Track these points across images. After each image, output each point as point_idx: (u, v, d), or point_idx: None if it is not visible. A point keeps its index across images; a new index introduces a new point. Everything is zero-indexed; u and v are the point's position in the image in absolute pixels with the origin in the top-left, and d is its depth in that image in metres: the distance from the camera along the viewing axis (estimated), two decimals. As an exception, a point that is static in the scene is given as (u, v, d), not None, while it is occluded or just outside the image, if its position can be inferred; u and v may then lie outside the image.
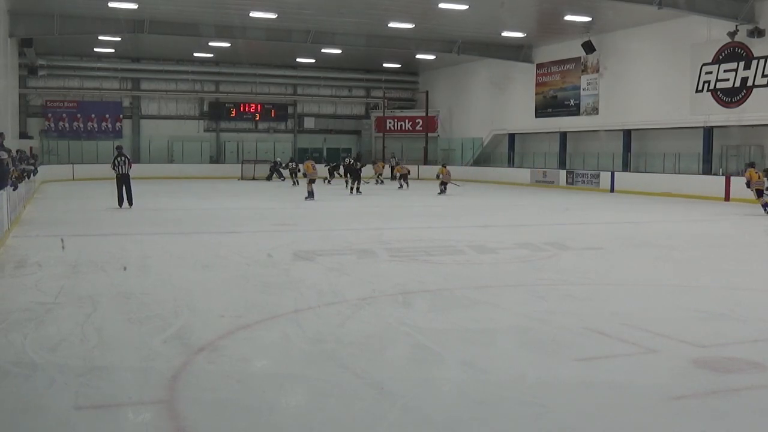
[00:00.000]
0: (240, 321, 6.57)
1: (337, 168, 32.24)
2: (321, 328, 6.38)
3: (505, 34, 30.86)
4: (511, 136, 36.36)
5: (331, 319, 6.72)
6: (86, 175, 33.37)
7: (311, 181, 22.22)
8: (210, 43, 33.62)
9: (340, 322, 6.60)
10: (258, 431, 4.14)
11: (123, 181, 18.61)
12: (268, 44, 32.46)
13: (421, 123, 41.87)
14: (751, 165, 20.52)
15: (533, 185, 32.38)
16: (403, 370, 5.32)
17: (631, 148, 29.43)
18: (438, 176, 26.88)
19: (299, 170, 29.12)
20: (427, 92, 41.93)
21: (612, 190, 28.13)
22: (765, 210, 18.84)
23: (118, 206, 18.42)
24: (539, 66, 34.22)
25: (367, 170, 30.47)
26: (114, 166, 18.75)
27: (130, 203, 18.54)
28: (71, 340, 5.84)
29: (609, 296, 8.08)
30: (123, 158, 18.81)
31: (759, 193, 19.33)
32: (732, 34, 24.05)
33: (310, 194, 21.81)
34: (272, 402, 4.60)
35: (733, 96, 24.63)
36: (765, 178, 19.01)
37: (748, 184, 20.04)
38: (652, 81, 28.07)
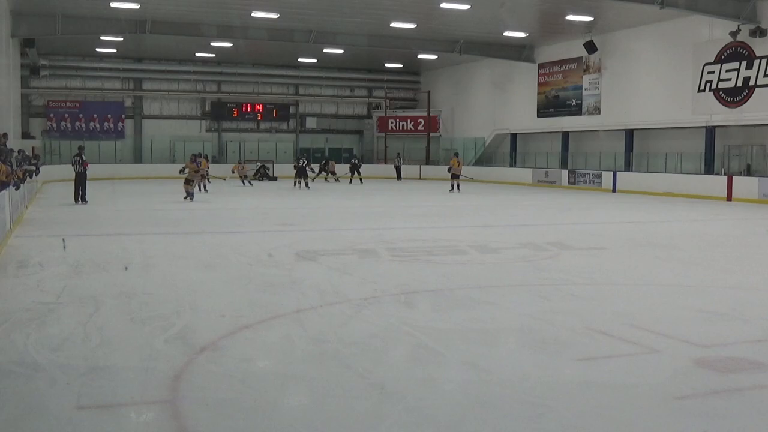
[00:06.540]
0: (242, 321, 6.57)
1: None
2: (323, 327, 6.38)
3: (506, 33, 30.83)
4: (513, 136, 36.33)
5: (333, 318, 6.72)
6: (88, 175, 33.16)
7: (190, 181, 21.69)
8: (212, 43, 33.62)
9: (342, 321, 6.60)
10: (260, 431, 4.14)
11: (80, 180, 20.25)
12: (269, 44, 32.46)
13: (423, 123, 41.86)
14: (456, 155, 27.45)
15: (535, 185, 32.36)
16: (405, 369, 5.31)
17: (633, 148, 29.40)
18: (449, 169, 26.44)
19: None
20: (429, 92, 41.92)
21: (614, 189, 28.12)
22: (452, 189, 24.97)
23: (74, 202, 19.90)
24: (541, 66, 34.19)
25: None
26: (73, 165, 20.31)
27: (84, 200, 20.12)
28: (73, 340, 5.85)
29: (611, 296, 8.07)
30: (80, 158, 20.28)
31: (455, 177, 25.30)
32: (734, 34, 24.01)
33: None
34: (274, 402, 4.60)
35: (735, 96, 24.60)
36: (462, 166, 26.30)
37: (449, 170, 26.21)
38: (654, 81, 28.04)
